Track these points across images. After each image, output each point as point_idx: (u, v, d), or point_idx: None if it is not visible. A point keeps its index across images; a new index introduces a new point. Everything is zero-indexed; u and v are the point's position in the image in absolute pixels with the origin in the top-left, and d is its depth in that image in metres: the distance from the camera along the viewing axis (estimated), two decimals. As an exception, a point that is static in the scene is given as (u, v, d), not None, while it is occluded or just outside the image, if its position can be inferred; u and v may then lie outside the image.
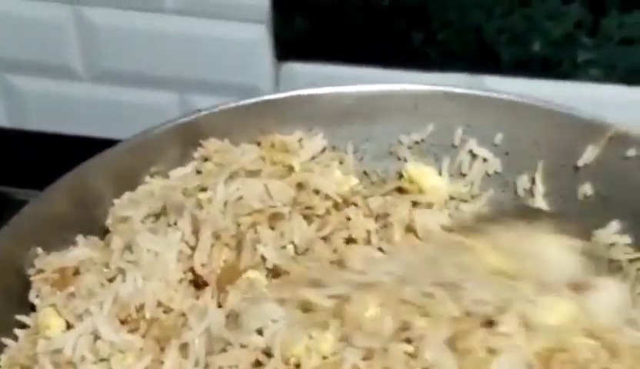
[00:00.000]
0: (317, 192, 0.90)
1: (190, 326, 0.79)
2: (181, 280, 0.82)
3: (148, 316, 0.79)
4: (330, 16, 1.15)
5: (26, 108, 1.31)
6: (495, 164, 0.95)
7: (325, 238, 0.88)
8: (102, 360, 0.78)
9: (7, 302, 0.83)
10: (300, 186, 0.90)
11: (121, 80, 1.25)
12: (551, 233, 0.81)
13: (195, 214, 0.84)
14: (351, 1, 1.13)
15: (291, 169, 0.91)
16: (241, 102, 0.94)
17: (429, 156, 0.96)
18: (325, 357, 0.75)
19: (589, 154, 0.92)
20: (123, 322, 0.80)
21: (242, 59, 1.20)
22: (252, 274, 0.82)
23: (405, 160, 0.96)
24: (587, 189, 0.93)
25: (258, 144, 0.93)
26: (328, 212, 0.90)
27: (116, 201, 0.89)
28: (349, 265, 0.82)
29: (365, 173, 0.97)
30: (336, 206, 0.91)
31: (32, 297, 0.84)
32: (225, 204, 0.86)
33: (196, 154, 0.92)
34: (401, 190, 0.94)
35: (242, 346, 0.77)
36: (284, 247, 0.86)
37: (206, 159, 0.92)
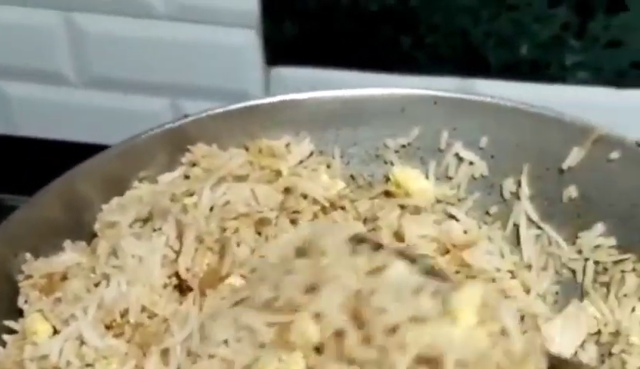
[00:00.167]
0: (304, 196, 0.91)
1: (172, 332, 0.79)
2: (165, 285, 0.82)
3: (132, 321, 0.80)
4: (319, 21, 1.15)
5: (17, 114, 1.31)
6: (481, 168, 0.95)
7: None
8: (88, 365, 0.78)
9: (-4, 308, 0.84)
10: (287, 190, 0.91)
11: (112, 86, 1.26)
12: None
13: (179, 219, 0.84)
14: (340, 6, 1.14)
15: (278, 174, 0.92)
16: (229, 107, 0.94)
17: (416, 159, 0.97)
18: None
19: (574, 157, 0.92)
20: (108, 327, 0.80)
21: (232, 64, 1.21)
22: (235, 279, 0.82)
23: (392, 163, 0.97)
24: (572, 191, 0.93)
25: (246, 148, 0.94)
26: (315, 216, 0.91)
27: (104, 206, 0.89)
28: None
29: (352, 177, 0.97)
30: (324, 210, 0.91)
31: (21, 302, 0.85)
32: (212, 208, 0.86)
33: (184, 160, 0.93)
34: (388, 193, 0.95)
35: (210, 356, 0.77)
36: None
37: (194, 164, 0.92)
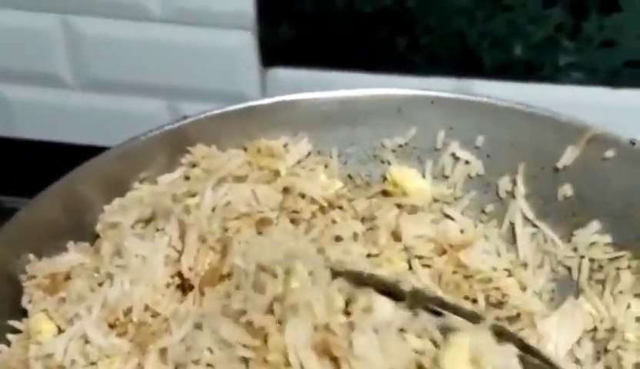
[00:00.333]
0: (302, 196, 0.92)
1: (171, 331, 0.80)
2: (168, 285, 0.83)
3: (135, 320, 0.81)
4: (315, 22, 1.16)
5: (15, 116, 1.32)
6: (477, 167, 0.96)
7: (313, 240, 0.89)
8: (92, 363, 0.79)
9: (0, 308, 0.85)
10: (286, 190, 0.92)
11: (109, 88, 1.27)
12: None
13: (182, 219, 0.85)
14: (335, 8, 1.15)
15: (277, 174, 0.93)
16: (227, 108, 0.95)
17: (412, 159, 0.98)
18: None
19: (569, 156, 0.93)
20: (112, 326, 0.81)
21: (228, 66, 1.22)
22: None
23: (389, 163, 0.98)
24: (567, 190, 0.94)
25: (245, 149, 0.95)
26: (313, 216, 0.92)
27: (106, 207, 0.90)
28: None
29: (350, 176, 0.98)
30: (322, 209, 0.92)
31: (25, 302, 0.85)
32: (213, 209, 0.87)
33: (184, 160, 0.93)
34: (385, 193, 0.96)
35: (194, 362, 0.78)
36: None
37: (194, 165, 0.93)
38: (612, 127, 0.93)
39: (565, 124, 0.93)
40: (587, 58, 1.13)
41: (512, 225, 0.96)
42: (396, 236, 0.92)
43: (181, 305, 0.82)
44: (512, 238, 0.95)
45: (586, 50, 1.13)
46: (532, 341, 0.82)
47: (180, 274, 0.83)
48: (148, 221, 0.88)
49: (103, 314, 0.81)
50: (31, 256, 0.87)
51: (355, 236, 0.92)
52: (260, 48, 1.19)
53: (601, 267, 0.92)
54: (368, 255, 0.91)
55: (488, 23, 1.13)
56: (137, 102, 1.27)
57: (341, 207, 0.93)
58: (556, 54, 1.14)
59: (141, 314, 0.81)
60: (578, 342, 0.89)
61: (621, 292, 0.90)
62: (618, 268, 0.91)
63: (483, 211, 0.97)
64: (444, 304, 0.77)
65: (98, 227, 0.89)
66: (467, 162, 0.96)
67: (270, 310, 0.77)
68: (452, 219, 0.95)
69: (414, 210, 0.94)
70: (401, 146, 0.97)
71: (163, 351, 0.78)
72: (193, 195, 0.89)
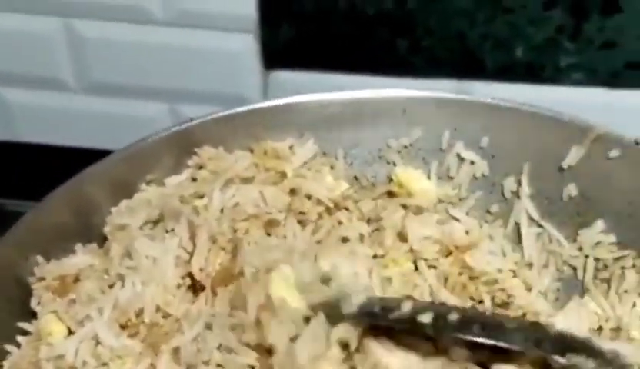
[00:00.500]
0: (309, 197, 0.92)
1: (182, 331, 0.80)
2: (179, 286, 0.84)
3: (147, 321, 0.81)
4: (316, 25, 1.17)
5: (17, 119, 1.32)
6: (482, 167, 0.97)
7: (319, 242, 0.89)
8: (104, 364, 0.79)
9: (8, 310, 0.85)
10: (293, 192, 0.92)
11: (111, 91, 1.27)
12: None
13: (191, 220, 0.85)
14: (337, 10, 1.15)
15: (283, 175, 0.93)
16: (233, 110, 0.95)
17: (418, 160, 0.98)
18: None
19: (573, 156, 0.93)
20: (123, 327, 0.81)
21: (230, 69, 1.22)
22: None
23: (394, 164, 0.98)
24: (572, 190, 0.94)
25: (251, 151, 0.95)
26: (320, 217, 0.92)
27: (113, 209, 0.90)
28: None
29: (356, 177, 0.99)
30: (328, 211, 0.93)
31: (34, 304, 0.85)
32: (222, 210, 0.88)
33: (190, 162, 0.94)
34: (390, 193, 0.96)
35: (204, 363, 0.78)
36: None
37: (200, 167, 0.93)
38: (612, 128, 0.93)
39: (569, 125, 0.93)
40: (588, 59, 1.14)
41: (517, 225, 0.96)
42: (402, 237, 0.92)
43: (192, 305, 0.82)
44: (517, 238, 0.96)
45: (587, 51, 1.13)
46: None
47: (191, 275, 0.83)
48: (155, 223, 0.89)
49: (114, 315, 0.81)
50: (40, 258, 0.87)
51: (361, 237, 0.92)
52: (262, 51, 1.20)
53: (606, 266, 0.93)
54: (374, 256, 0.91)
55: (488, 25, 1.13)
56: (139, 105, 1.27)
57: (347, 209, 0.94)
58: (557, 56, 1.15)
59: (152, 315, 0.81)
60: (584, 341, 0.89)
61: (626, 291, 0.91)
62: (623, 267, 0.92)
63: (488, 212, 0.98)
64: (472, 329, 0.73)
65: (106, 229, 0.89)
66: (472, 163, 0.97)
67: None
68: (458, 220, 0.95)
69: (419, 210, 0.94)
70: (406, 147, 0.98)
71: (176, 351, 0.78)
72: (201, 197, 0.89)
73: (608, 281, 0.92)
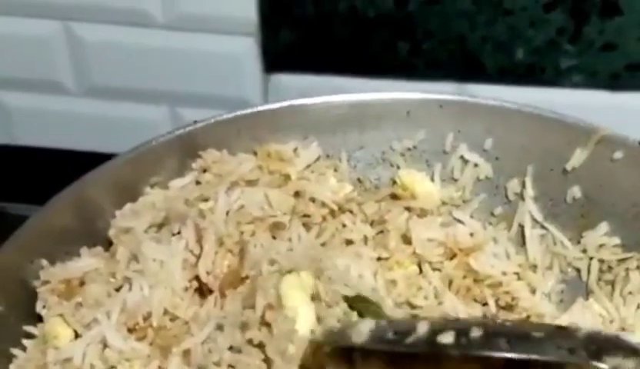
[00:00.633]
0: (313, 200, 0.92)
1: (192, 333, 0.80)
2: (186, 289, 0.83)
3: (155, 324, 0.81)
4: (317, 28, 1.17)
5: (17, 123, 1.31)
6: (486, 169, 0.97)
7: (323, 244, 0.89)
8: (112, 367, 0.79)
9: (14, 313, 0.84)
10: (297, 194, 0.92)
11: (112, 94, 1.27)
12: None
13: (197, 223, 0.85)
14: (337, 13, 1.15)
15: (287, 178, 0.93)
16: (236, 113, 0.95)
17: (421, 162, 0.98)
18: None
19: (577, 158, 0.93)
20: (131, 330, 0.81)
21: (231, 72, 1.22)
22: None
23: (398, 166, 0.98)
24: (576, 192, 0.94)
25: (255, 153, 0.95)
26: (324, 219, 0.92)
27: (118, 213, 0.90)
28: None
29: (359, 180, 0.98)
30: (332, 213, 0.93)
31: (39, 307, 0.85)
32: (227, 213, 0.87)
33: (194, 165, 0.94)
34: (394, 196, 0.96)
35: (215, 363, 0.78)
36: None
37: (205, 170, 0.93)
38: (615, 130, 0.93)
39: (573, 127, 0.94)
40: (588, 61, 1.14)
41: (521, 227, 0.96)
42: (406, 239, 0.92)
43: (201, 308, 0.82)
44: (521, 240, 0.96)
45: (587, 53, 1.14)
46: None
47: (198, 278, 0.83)
48: (160, 226, 0.88)
49: (122, 319, 0.81)
50: (44, 262, 0.87)
51: (365, 239, 0.92)
52: (262, 54, 1.20)
53: (610, 268, 0.93)
54: (379, 258, 0.91)
55: (489, 27, 1.13)
56: (139, 109, 1.27)
57: (351, 211, 0.94)
58: (557, 58, 1.15)
59: (160, 318, 0.81)
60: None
61: (630, 293, 0.91)
62: (627, 269, 0.92)
63: (492, 214, 0.98)
64: (498, 344, 0.69)
65: (111, 233, 0.89)
66: (476, 165, 0.97)
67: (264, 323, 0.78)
68: (462, 222, 0.95)
69: (423, 213, 0.94)
70: (409, 149, 0.98)
71: (186, 353, 0.78)
72: (205, 200, 0.89)
73: (612, 283, 0.92)
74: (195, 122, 0.94)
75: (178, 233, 0.86)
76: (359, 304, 0.82)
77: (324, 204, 0.92)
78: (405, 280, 0.90)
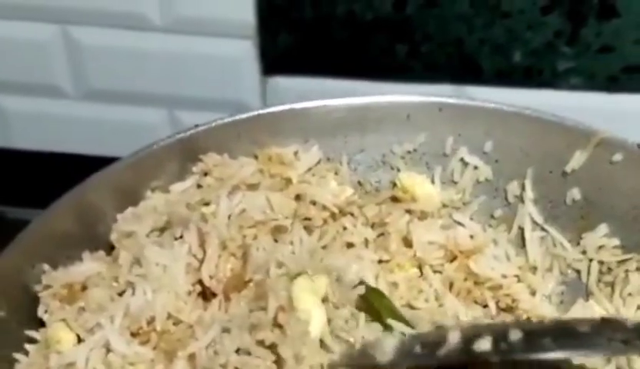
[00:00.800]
0: (314, 203, 0.92)
1: (196, 337, 0.80)
2: (189, 293, 0.83)
3: (158, 328, 0.81)
4: (315, 31, 1.17)
5: (14, 127, 1.31)
6: (486, 172, 0.97)
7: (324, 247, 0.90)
8: (115, 371, 0.79)
9: (15, 318, 0.84)
10: (298, 197, 0.92)
11: (110, 98, 1.27)
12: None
13: (200, 227, 0.85)
14: (335, 16, 1.15)
15: (288, 181, 0.93)
16: (237, 117, 0.95)
17: (421, 165, 0.98)
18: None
19: (577, 160, 0.94)
20: (134, 334, 0.81)
21: (229, 75, 1.22)
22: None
23: (398, 169, 0.98)
24: (575, 194, 0.95)
25: (255, 157, 0.95)
26: (325, 222, 0.92)
27: (119, 217, 0.90)
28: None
29: (360, 183, 0.99)
30: (333, 216, 0.93)
31: (41, 312, 0.85)
32: (229, 217, 0.87)
33: (195, 169, 0.94)
34: (395, 199, 0.96)
35: (221, 366, 0.78)
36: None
37: (205, 173, 0.93)
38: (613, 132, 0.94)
39: (572, 129, 0.94)
40: (585, 63, 1.15)
41: (521, 229, 0.96)
42: (407, 242, 0.92)
43: (205, 312, 0.82)
44: (521, 242, 0.96)
45: (584, 56, 1.14)
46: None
47: (201, 282, 0.83)
48: (162, 230, 0.88)
49: (125, 323, 0.81)
50: (46, 266, 0.87)
51: (366, 242, 0.92)
52: (260, 57, 1.20)
53: (610, 269, 0.93)
54: (380, 261, 0.91)
55: (487, 30, 1.14)
56: (137, 112, 1.27)
57: (351, 214, 0.94)
58: (555, 60, 1.15)
59: (164, 323, 0.81)
60: (589, 344, 0.89)
61: (630, 294, 0.91)
62: (626, 270, 0.92)
63: (492, 216, 0.98)
64: (543, 345, 0.67)
65: (113, 237, 0.89)
66: (475, 167, 0.97)
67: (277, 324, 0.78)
68: (462, 225, 0.95)
69: (423, 215, 0.95)
70: (410, 152, 0.98)
71: (191, 357, 0.78)
72: (207, 204, 0.89)
73: (612, 284, 0.93)
74: (196, 126, 0.94)
75: (180, 237, 0.86)
76: (373, 299, 0.83)
77: (325, 207, 0.92)
78: (406, 283, 0.90)
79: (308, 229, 0.90)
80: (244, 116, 0.95)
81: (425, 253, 0.91)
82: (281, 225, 0.88)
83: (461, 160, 0.97)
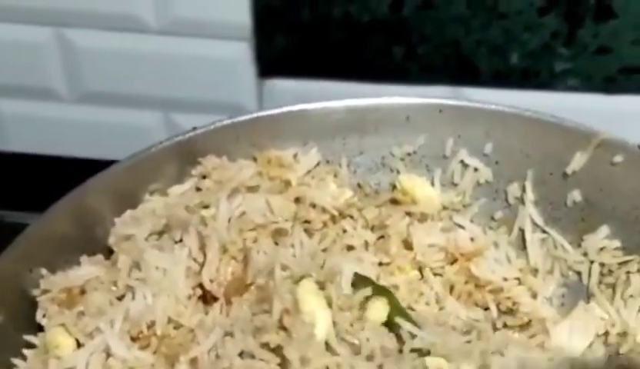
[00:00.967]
0: (313, 206, 0.92)
1: (198, 341, 0.80)
2: (190, 297, 0.83)
3: (159, 332, 0.80)
4: (311, 32, 1.16)
5: (9, 130, 1.31)
6: (486, 174, 0.97)
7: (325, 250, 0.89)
8: (115, 376, 0.79)
9: (13, 323, 0.83)
10: (298, 200, 0.92)
11: (105, 101, 1.26)
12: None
13: (200, 231, 0.85)
14: (332, 18, 1.15)
15: (288, 184, 0.93)
16: (236, 119, 0.95)
17: (421, 167, 0.98)
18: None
19: (577, 162, 0.93)
20: (134, 339, 0.80)
21: (225, 77, 1.21)
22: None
23: (398, 171, 0.98)
24: (576, 195, 0.94)
25: (254, 159, 0.95)
26: (325, 225, 0.91)
27: (117, 220, 0.89)
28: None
29: (359, 185, 0.98)
30: (333, 219, 0.92)
31: (39, 317, 0.84)
32: (229, 220, 0.87)
33: (194, 172, 0.93)
34: (394, 201, 0.96)
35: None
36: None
37: (204, 176, 0.92)
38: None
39: (573, 130, 0.94)
40: (582, 64, 1.15)
41: (522, 231, 0.96)
42: (407, 245, 0.92)
43: (207, 316, 0.81)
44: (522, 244, 0.96)
45: (581, 57, 1.14)
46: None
47: (201, 286, 0.83)
48: (161, 233, 0.88)
49: (125, 327, 0.80)
50: (44, 270, 0.86)
51: (366, 245, 0.92)
52: (257, 59, 1.19)
53: (611, 271, 0.93)
54: (380, 264, 0.91)
55: (483, 31, 1.13)
56: (133, 114, 1.26)
57: (351, 217, 0.93)
58: (552, 62, 1.15)
59: (164, 327, 0.80)
60: (590, 346, 0.89)
61: (631, 296, 0.91)
62: (628, 272, 0.92)
63: (492, 218, 0.98)
64: None
65: (111, 240, 0.89)
66: (476, 169, 0.97)
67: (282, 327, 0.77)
68: (462, 227, 0.95)
69: (423, 218, 0.94)
70: (409, 154, 0.98)
71: (193, 361, 0.78)
72: (206, 207, 0.89)
73: (613, 286, 0.92)
74: (194, 128, 0.94)
75: (180, 240, 0.85)
76: (382, 295, 0.82)
77: (324, 210, 0.92)
78: (407, 286, 0.90)
79: (308, 232, 0.90)
80: (242, 118, 0.95)
81: (426, 255, 0.91)
82: (282, 228, 0.88)
83: (461, 162, 0.97)
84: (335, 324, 0.79)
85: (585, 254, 0.94)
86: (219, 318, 0.81)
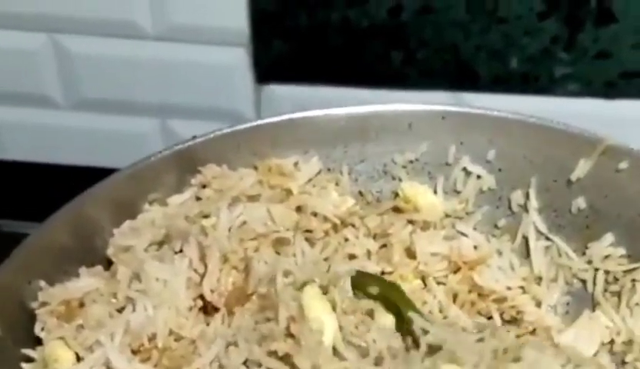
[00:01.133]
0: (315, 214, 0.91)
1: (200, 353, 0.79)
2: (191, 308, 0.82)
3: (160, 345, 0.79)
4: (309, 38, 1.15)
5: (4, 138, 1.29)
6: (489, 181, 0.96)
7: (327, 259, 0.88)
8: (116, 389, 0.78)
9: (11, 336, 0.82)
10: (299, 209, 0.91)
11: (101, 107, 1.25)
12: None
13: (200, 241, 0.84)
14: (330, 23, 1.14)
15: (289, 192, 0.92)
16: (236, 127, 0.94)
17: (423, 175, 0.97)
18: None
19: (582, 168, 0.93)
20: (135, 352, 0.79)
21: (223, 83, 1.20)
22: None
23: (400, 179, 0.97)
24: (580, 203, 0.94)
25: (255, 168, 0.94)
26: (326, 234, 0.91)
27: (116, 231, 0.88)
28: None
29: (361, 193, 0.97)
30: (334, 227, 0.91)
31: (38, 330, 0.83)
32: (230, 229, 0.86)
33: (194, 181, 0.92)
34: (397, 209, 0.95)
35: None
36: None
37: (204, 185, 0.91)
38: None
39: (577, 137, 0.93)
40: (582, 69, 1.14)
41: (525, 239, 0.95)
42: (410, 253, 0.91)
43: (208, 327, 0.81)
44: (526, 252, 0.95)
45: (582, 61, 1.13)
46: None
47: (202, 296, 0.82)
48: (160, 244, 0.87)
49: (126, 340, 0.79)
50: (42, 283, 0.85)
51: (369, 253, 0.91)
52: (254, 65, 1.18)
53: (616, 279, 0.92)
54: (382, 273, 0.90)
55: (483, 36, 1.13)
56: (129, 121, 1.25)
57: (353, 225, 0.92)
58: (552, 66, 1.14)
59: (165, 339, 0.79)
60: (596, 355, 0.88)
61: (637, 304, 0.90)
62: (633, 280, 0.91)
63: (496, 226, 0.97)
64: None
65: (110, 251, 0.87)
66: (478, 177, 0.96)
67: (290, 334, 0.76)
68: (465, 235, 0.94)
69: (426, 225, 0.93)
70: (411, 162, 0.97)
71: (196, 373, 0.77)
72: (206, 216, 0.88)
73: (618, 294, 0.91)
74: (194, 137, 0.93)
75: (180, 251, 0.84)
76: (391, 293, 0.82)
77: (326, 219, 0.91)
78: (410, 295, 0.88)
79: (310, 241, 0.89)
80: (243, 127, 0.94)
81: (429, 264, 0.90)
82: (283, 237, 0.87)
83: (464, 169, 0.96)
84: (340, 327, 0.78)
85: (590, 262, 0.93)
86: (221, 329, 0.80)
